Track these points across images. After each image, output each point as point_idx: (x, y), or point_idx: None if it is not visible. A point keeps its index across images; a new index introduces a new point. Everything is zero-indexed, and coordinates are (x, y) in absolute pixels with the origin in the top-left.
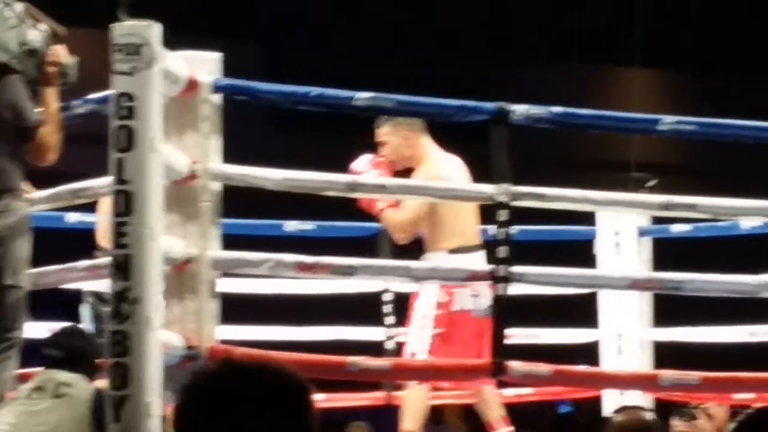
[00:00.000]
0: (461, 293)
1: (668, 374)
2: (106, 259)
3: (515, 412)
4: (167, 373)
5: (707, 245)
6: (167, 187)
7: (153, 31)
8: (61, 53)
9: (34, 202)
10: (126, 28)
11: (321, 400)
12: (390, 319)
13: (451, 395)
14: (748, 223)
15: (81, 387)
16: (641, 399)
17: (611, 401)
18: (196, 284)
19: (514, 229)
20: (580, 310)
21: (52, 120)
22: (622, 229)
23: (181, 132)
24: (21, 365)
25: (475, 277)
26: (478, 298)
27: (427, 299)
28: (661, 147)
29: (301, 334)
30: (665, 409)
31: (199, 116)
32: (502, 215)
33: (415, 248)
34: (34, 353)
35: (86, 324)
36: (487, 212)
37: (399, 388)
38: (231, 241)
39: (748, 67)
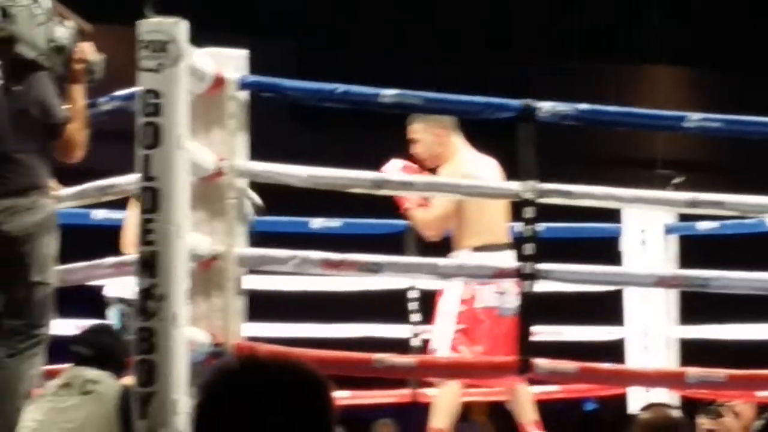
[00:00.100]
0: (486, 290)
1: (695, 372)
2: (132, 256)
3: (541, 409)
4: (193, 370)
5: (734, 242)
6: (194, 184)
7: (179, 28)
8: (88, 50)
9: (61, 199)
10: (152, 25)
11: (347, 397)
12: (416, 317)
13: (478, 392)
14: None
15: (108, 384)
16: (667, 396)
17: (637, 399)
18: (223, 281)
19: (540, 226)
20: (606, 307)
21: (79, 117)
22: (648, 227)
23: (208, 129)
24: (48, 362)
25: (501, 274)
26: (504, 296)
27: (451, 296)
28: (687, 144)
29: (327, 331)
30: (691, 407)
31: (225, 113)
32: (528, 212)
33: (441, 245)
34: (61, 350)
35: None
36: (516, 210)
37: (425, 385)
38: (257, 238)
39: None
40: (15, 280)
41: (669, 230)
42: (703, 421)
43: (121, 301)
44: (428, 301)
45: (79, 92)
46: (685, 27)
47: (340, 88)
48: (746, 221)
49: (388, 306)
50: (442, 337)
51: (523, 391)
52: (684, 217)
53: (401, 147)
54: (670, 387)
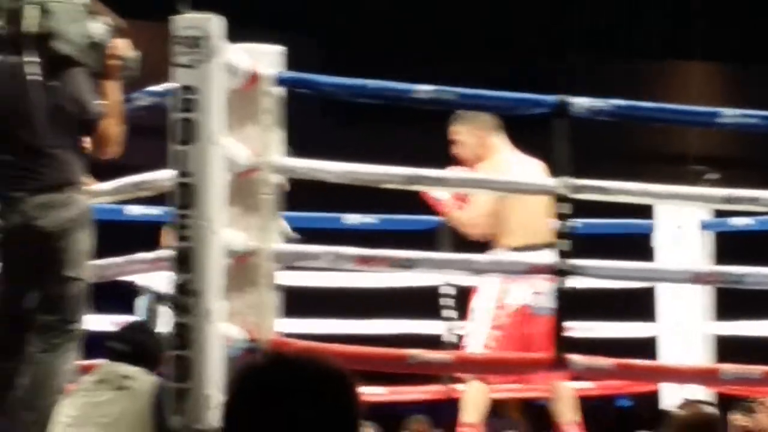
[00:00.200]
0: (521, 288)
1: (729, 368)
2: (167, 252)
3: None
4: (228, 365)
5: None
6: (228, 180)
7: (214, 23)
8: (123, 47)
9: (96, 194)
10: (187, 21)
11: (381, 393)
12: (450, 313)
13: (512, 389)
14: None
15: (143, 380)
16: (701, 393)
17: (671, 396)
18: (257, 277)
19: (576, 222)
20: (640, 303)
21: (114, 113)
22: (684, 223)
23: (243, 124)
24: (83, 358)
25: (535, 270)
26: (539, 295)
27: (486, 293)
28: (720, 140)
29: (361, 327)
30: (725, 404)
31: (260, 109)
32: (563, 208)
33: (476, 242)
34: (96, 346)
35: (139, 316)
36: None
37: (458, 381)
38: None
39: None
40: (49, 275)
41: (705, 226)
42: (736, 417)
43: (151, 291)
44: (462, 298)
45: (114, 88)
46: (721, 24)
47: (374, 83)
48: None
49: (422, 302)
50: (475, 335)
51: (565, 391)
52: (717, 213)
53: (434, 142)
54: (704, 384)
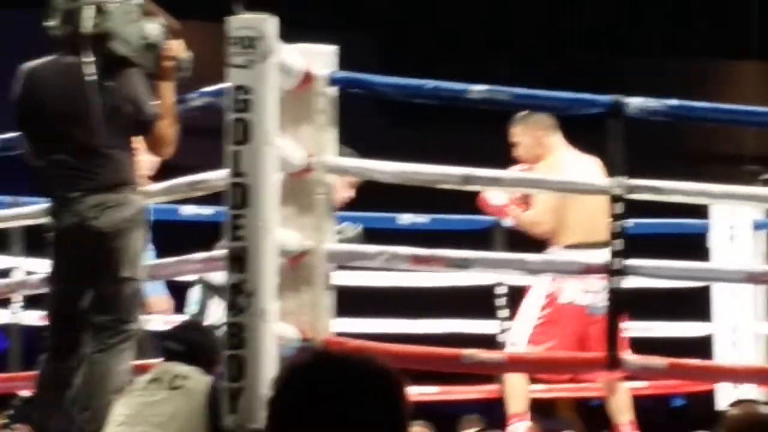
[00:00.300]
0: (572, 286)
1: None
2: (221, 251)
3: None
4: (282, 365)
5: None
6: (283, 179)
7: (269, 23)
8: (177, 47)
9: (151, 194)
10: (242, 21)
11: (435, 393)
12: (504, 312)
13: (566, 389)
14: None
15: (197, 379)
16: (755, 393)
17: (725, 395)
18: (311, 277)
19: (628, 222)
20: (694, 303)
21: (168, 113)
22: (737, 223)
23: (297, 125)
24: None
25: (590, 270)
26: (591, 294)
27: (537, 291)
28: None
29: (415, 327)
30: None
31: (314, 109)
32: (618, 208)
33: (530, 242)
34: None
35: (190, 308)
36: None
37: None
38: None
39: None
40: (104, 275)
41: (758, 226)
42: None
43: (203, 281)
44: (516, 297)
45: (168, 89)
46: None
47: (430, 83)
48: None
49: (476, 302)
50: (520, 331)
51: (621, 390)
52: None
53: (489, 142)
54: (759, 383)
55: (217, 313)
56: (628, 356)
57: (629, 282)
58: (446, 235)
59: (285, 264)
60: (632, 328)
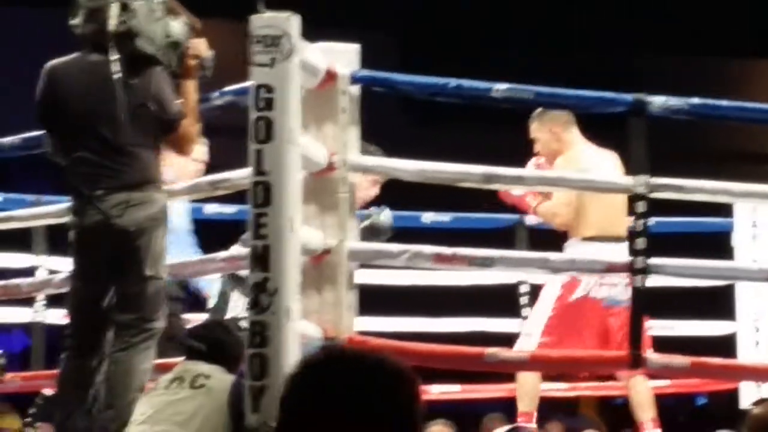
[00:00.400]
0: (587, 279)
1: None
2: (244, 250)
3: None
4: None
5: None
6: (305, 178)
7: (292, 22)
8: (201, 46)
9: (174, 193)
10: (265, 20)
11: (457, 391)
12: (527, 311)
13: (588, 387)
14: None
15: (219, 378)
16: None
17: (748, 394)
18: (334, 275)
19: (650, 220)
20: (717, 302)
21: (191, 112)
22: (760, 221)
23: (320, 123)
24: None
25: (613, 268)
26: (607, 287)
27: (551, 285)
28: None
29: (438, 325)
30: None
31: (337, 108)
32: (641, 207)
33: (552, 241)
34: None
35: (211, 300)
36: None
37: None
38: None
39: None
40: (128, 274)
41: None
42: None
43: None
44: (539, 296)
45: (191, 87)
46: None
47: (452, 82)
48: None
49: (499, 300)
50: (535, 322)
51: (644, 388)
52: None
53: (512, 141)
54: None
55: (237, 306)
56: (650, 355)
57: (652, 281)
58: (468, 233)
59: (308, 262)
60: (655, 327)
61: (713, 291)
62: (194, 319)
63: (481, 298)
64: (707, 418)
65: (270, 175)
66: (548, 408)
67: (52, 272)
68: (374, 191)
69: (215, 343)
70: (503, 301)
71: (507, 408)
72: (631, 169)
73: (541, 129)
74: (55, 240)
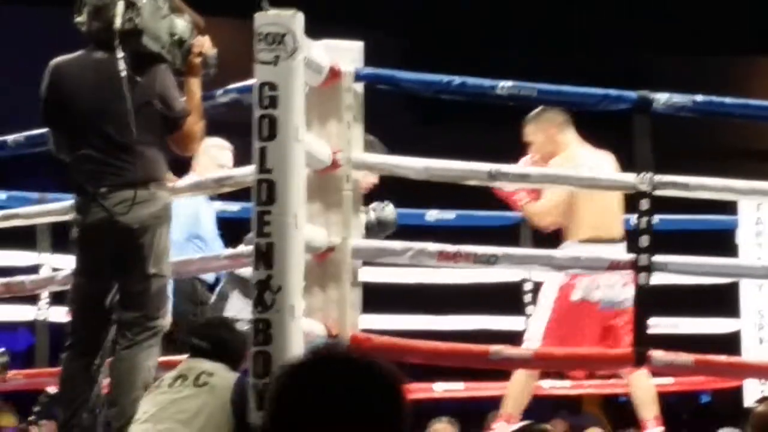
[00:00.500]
0: (584, 283)
1: None
2: (247, 248)
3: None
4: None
5: None
6: (309, 176)
7: (296, 20)
8: (205, 44)
9: (179, 190)
10: (269, 18)
11: (461, 389)
12: (531, 309)
13: (590, 385)
14: None
15: (222, 376)
16: None
17: (752, 391)
18: (338, 273)
19: (654, 218)
20: (721, 299)
21: (195, 110)
22: (764, 218)
23: (324, 121)
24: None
25: (616, 266)
26: (604, 289)
27: (549, 287)
28: None
29: (442, 323)
30: None
31: (341, 105)
32: (644, 204)
33: (556, 238)
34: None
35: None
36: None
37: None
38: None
39: None
40: (131, 271)
41: None
42: None
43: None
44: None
45: (196, 85)
46: None
47: (457, 79)
48: None
49: (503, 298)
50: (535, 327)
51: (646, 386)
52: None
53: (514, 140)
54: None
55: (236, 307)
56: (654, 352)
57: (657, 278)
58: (473, 231)
59: (311, 260)
60: (660, 325)
61: (718, 288)
62: None
63: (485, 295)
64: (711, 416)
65: (274, 173)
66: (552, 406)
67: (56, 270)
68: (372, 177)
69: (218, 341)
70: (507, 298)
71: None
72: (635, 166)
73: (536, 131)
74: (59, 237)
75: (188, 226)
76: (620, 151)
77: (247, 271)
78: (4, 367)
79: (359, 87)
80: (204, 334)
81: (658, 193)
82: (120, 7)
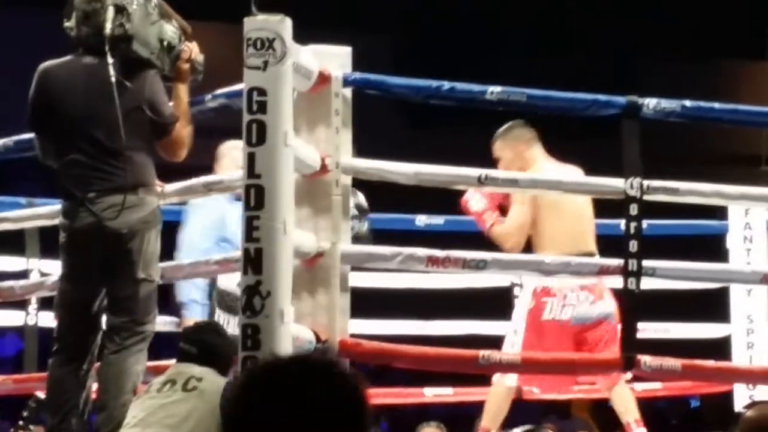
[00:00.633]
0: (553, 304)
1: None
2: (236, 253)
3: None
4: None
5: None
6: (298, 181)
7: (285, 25)
8: (194, 49)
9: (167, 195)
10: (258, 23)
11: (450, 394)
12: None
13: (580, 390)
14: None
15: (211, 380)
16: None
17: (742, 396)
18: (328, 278)
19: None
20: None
21: (183, 116)
22: (752, 223)
23: (312, 126)
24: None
25: (606, 271)
26: (571, 307)
27: (521, 304)
28: None
29: (431, 328)
30: None
31: (330, 110)
32: (633, 209)
33: None
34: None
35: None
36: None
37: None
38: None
39: None
40: (119, 276)
41: None
42: None
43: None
44: None
45: (184, 91)
46: None
47: (446, 84)
48: None
49: (493, 303)
50: (511, 344)
51: (624, 392)
52: None
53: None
54: None
55: (219, 320)
56: (642, 357)
57: (646, 283)
58: (462, 236)
59: (301, 265)
60: (650, 330)
61: (708, 293)
62: None
63: (474, 300)
64: (700, 421)
65: (263, 178)
66: (541, 410)
67: (44, 274)
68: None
69: (207, 346)
70: (497, 303)
71: None
72: (624, 171)
73: (504, 147)
74: (48, 242)
75: (215, 230)
76: (610, 156)
77: (225, 283)
78: None
79: (348, 92)
80: (193, 339)
81: (648, 198)
82: (110, 12)
